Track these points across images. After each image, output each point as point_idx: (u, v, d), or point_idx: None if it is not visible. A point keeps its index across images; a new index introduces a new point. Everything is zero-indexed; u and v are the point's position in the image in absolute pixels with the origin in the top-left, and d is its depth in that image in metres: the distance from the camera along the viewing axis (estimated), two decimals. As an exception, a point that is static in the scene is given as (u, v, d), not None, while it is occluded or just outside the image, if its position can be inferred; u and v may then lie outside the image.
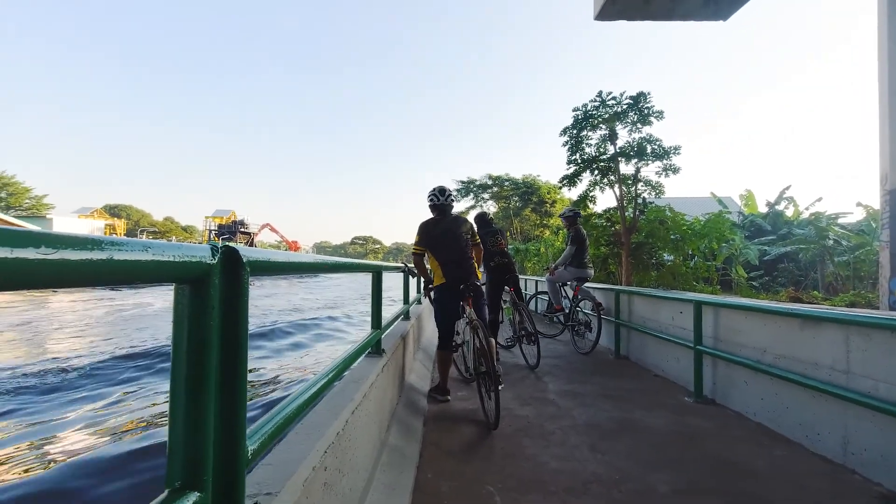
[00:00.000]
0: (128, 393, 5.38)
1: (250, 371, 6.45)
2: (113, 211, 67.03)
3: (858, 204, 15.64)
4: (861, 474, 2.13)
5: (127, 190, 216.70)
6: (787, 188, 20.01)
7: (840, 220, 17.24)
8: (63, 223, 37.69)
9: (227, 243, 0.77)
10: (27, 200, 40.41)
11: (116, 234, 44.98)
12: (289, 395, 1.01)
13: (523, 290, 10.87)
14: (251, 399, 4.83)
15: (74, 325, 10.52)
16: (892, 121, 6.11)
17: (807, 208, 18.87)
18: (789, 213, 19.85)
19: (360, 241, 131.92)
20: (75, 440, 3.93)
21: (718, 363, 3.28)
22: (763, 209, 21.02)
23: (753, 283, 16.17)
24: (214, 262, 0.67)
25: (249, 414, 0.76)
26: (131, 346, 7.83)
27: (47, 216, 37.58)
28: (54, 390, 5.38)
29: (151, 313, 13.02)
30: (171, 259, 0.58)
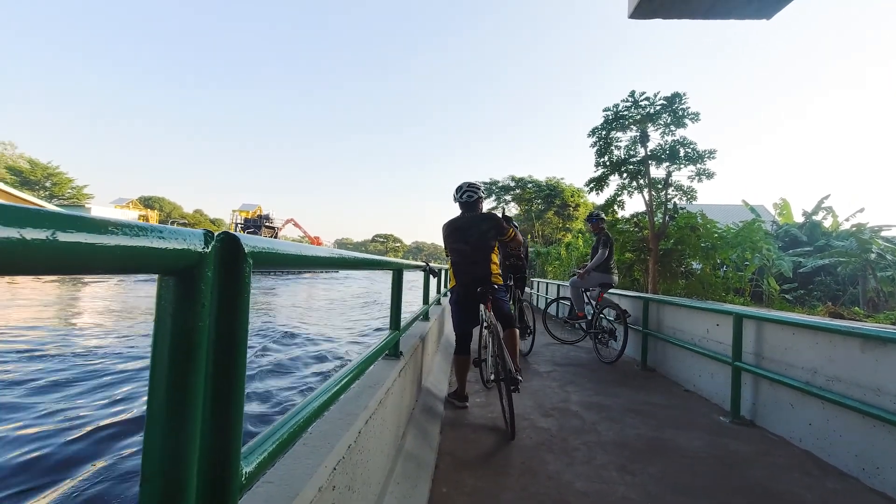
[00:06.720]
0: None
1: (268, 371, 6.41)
2: (147, 202, 69.51)
3: (906, 216, 14.67)
4: (930, 517, 1.89)
5: (162, 183, 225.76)
6: (826, 197, 18.99)
7: (883, 233, 16.26)
8: (100, 212, 39.21)
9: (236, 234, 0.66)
10: (69, 190, 42.36)
11: (148, 224, 46.38)
12: (295, 404, 0.89)
13: (544, 295, 10.68)
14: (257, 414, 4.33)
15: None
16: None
17: (847, 219, 17.87)
18: (827, 223, 18.83)
19: (381, 239, 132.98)
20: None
21: (759, 382, 3.03)
22: (799, 219, 20.03)
23: (787, 297, 15.38)
24: (208, 250, 0.55)
25: (256, 428, 0.65)
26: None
27: (86, 205, 39.22)
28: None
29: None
30: (151, 245, 0.47)
